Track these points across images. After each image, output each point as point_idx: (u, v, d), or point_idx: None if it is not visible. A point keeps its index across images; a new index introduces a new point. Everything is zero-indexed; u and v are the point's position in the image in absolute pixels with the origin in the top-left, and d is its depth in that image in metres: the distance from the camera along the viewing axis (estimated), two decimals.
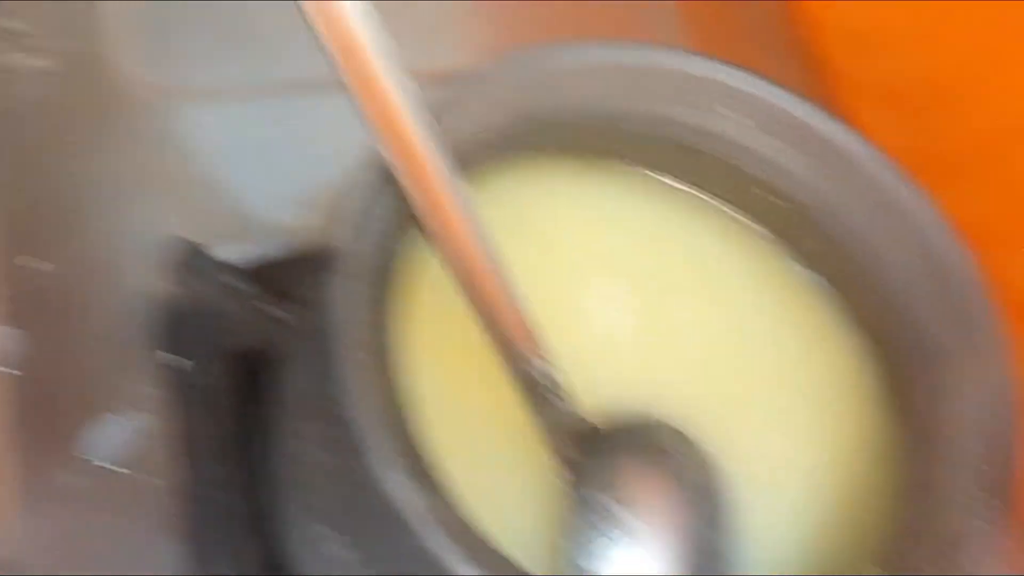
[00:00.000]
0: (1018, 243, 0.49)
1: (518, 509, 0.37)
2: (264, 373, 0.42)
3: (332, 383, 0.34)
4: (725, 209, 0.43)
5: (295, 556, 0.37)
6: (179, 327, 0.47)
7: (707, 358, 0.41)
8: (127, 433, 0.44)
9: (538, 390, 0.36)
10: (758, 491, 0.39)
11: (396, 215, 0.36)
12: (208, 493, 0.43)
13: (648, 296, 0.42)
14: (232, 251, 0.50)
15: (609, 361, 0.40)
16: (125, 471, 0.43)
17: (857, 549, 0.37)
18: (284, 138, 0.53)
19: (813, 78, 0.59)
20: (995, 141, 0.50)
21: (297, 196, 0.52)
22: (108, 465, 0.43)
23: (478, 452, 0.37)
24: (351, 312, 0.33)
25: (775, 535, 0.38)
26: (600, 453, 0.37)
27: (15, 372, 0.44)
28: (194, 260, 0.47)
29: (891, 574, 0.34)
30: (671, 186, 0.43)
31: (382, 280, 0.36)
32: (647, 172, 0.43)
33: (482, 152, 0.39)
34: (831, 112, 0.40)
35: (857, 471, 0.39)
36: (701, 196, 0.43)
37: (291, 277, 0.48)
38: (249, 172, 0.53)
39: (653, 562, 0.36)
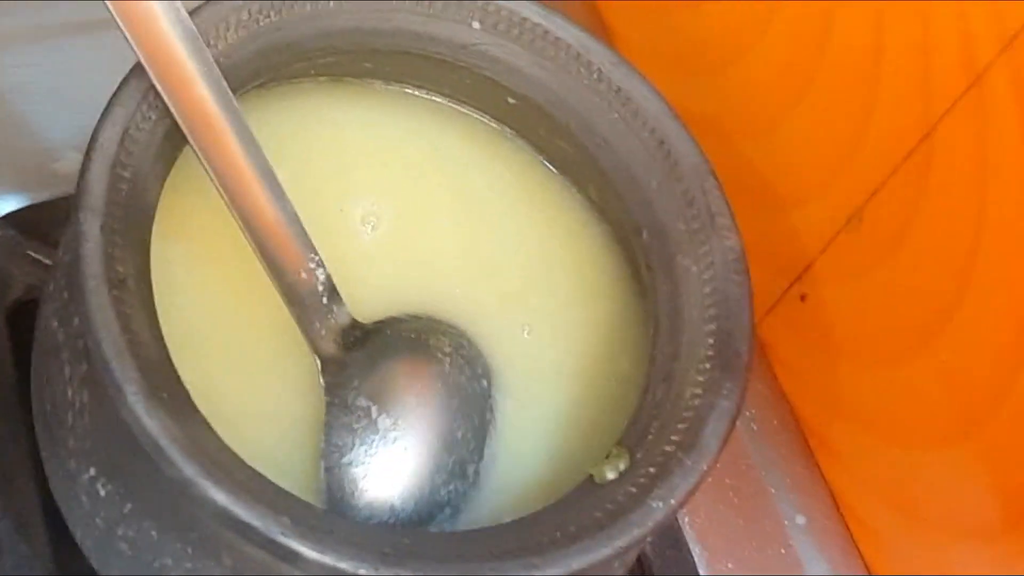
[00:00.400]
0: (745, 133, 0.51)
1: (287, 419, 0.38)
2: (35, 319, 0.41)
3: (79, 319, 0.35)
4: (479, 118, 0.43)
5: (57, 494, 0.37)
6: None
7: (467, 259, 0.42)
8: None
9: (306, 296, 0.37)
10: (515, 384, 0.40)
11: (159, 141, 0.36)
12: None
13: (411, 205, 0.42)
14: (2, 201, 0.49)
15: (376, 269, 0.41)
16: None
17: (607, 434, 0.38)
18: (56, 83, 0.52)
19: None
20: (730, 41, 0.51)
21: (70, 141, 0.52)
22: None
23: (245, 367, 0.38)
24: (95, 245, 0.33)
25: (530, 424, 0.39)
26: (365, 353, 0.38)
27: None
28: None
29: (634, 452, 0.35)
30: (426, 99, 0.44)
31: (139, 208, 0.35)
32: (403, 88, 0.44)
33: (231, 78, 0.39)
34: (567, 16, 0.41)
35: (607, 358, 0.41)
36: (455, 107, 0.44)
37: (56, 221, 0.48)
38: (20, 120, 0.52)
39: (406, 461, 0.37)
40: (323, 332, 0.38)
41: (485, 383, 0.39)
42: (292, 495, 0.32)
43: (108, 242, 0.33)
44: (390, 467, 0.37)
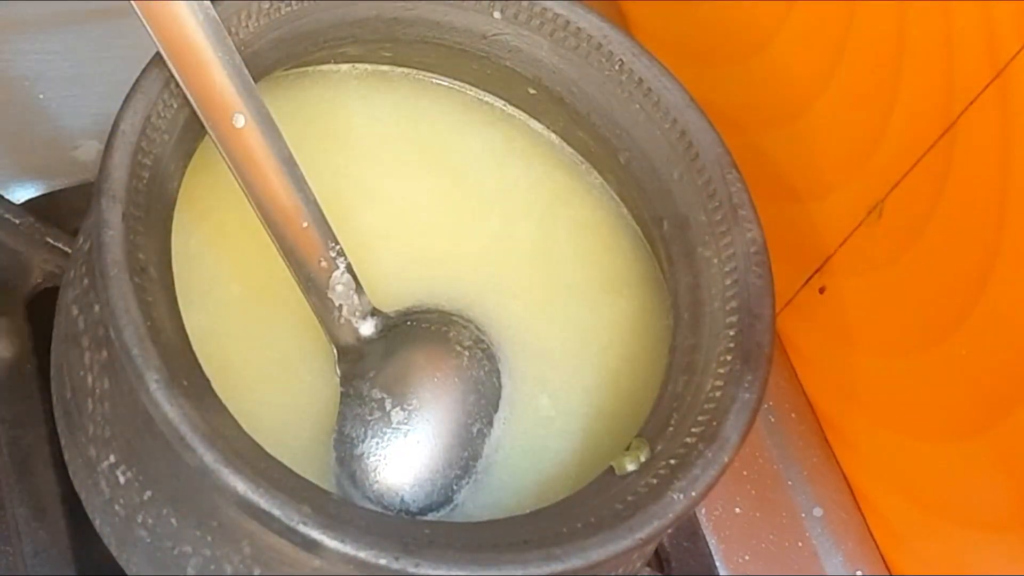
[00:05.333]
0: (766, 125, 0.51)
1: (305, 408, 0.38)
2: (54, 305, 0.42)
3: (100, 307, 0.35)
4: (500, 107, 0.44)
5: (76, 481, 0.37)
6: None
7: (487, 250, 0.42)
8: None
9: (325, 285, 0.37)
10: (536, 376, 0.40)
11: (180, 129, 0.36)
12: (7, 431, 0.43)
13: (431, 195, 0.42)
14: (20, 188, 0.49)
15: (395, 259, 0.41)
16: None
17: (627, 426, 0.38)
18: (76, 70, 0.53)
19: None
20: (751, 33, 0.51)
21: (89, 128, 0.52)
22: None
23: (264, 355, 0.38)
24: (116, 232, 0.33)
25: (551, 415, 0.39)
26: (384, 344, 0.38)
27: None
28: None
29: (655, 443, 0.35)
30: (447, 87, 0.44)
31: (160, 196, 0.35)
32: (424, 76, 0.44)
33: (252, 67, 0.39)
34: (590, 7, 0.41)
35: (627, 350, 0.41)
36: (477, 96, 0.44)
37: (75, 208, 0.48)
38: (40, 106, 0.52)
39: (418, 455, 0.37)
40: (341, 321, 0.38)
41: (506, 378, 0.39)
42: (312, 484, 0.32)
43: (130, 229, 0.33)
44: (402, 460, 0.37)
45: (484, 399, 0.38)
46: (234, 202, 0.37)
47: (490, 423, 0.38)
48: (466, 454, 0.38)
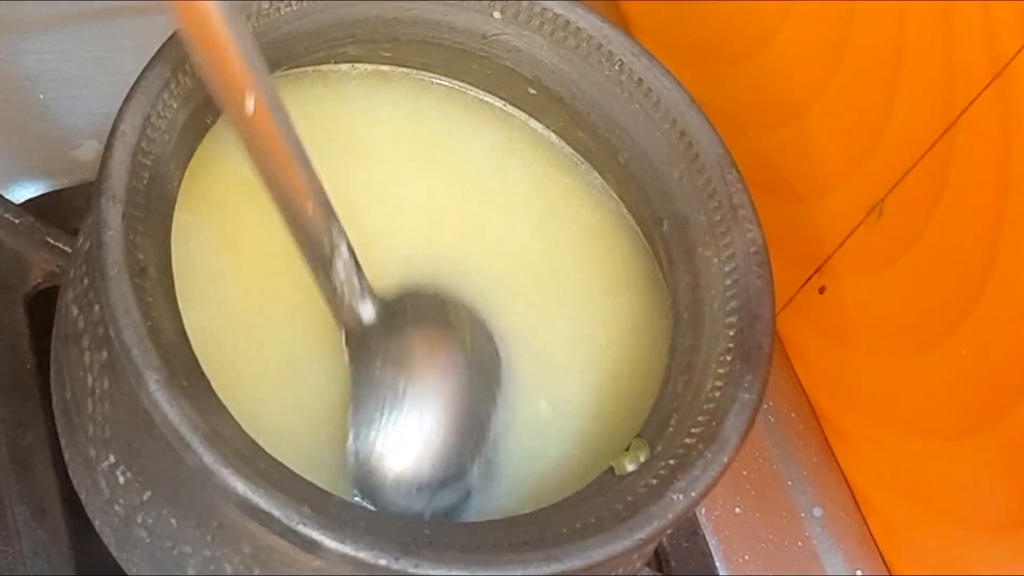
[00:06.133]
0: (765, 125, 0.51)
1: (308, 406, 0.38)
2: (54, 305, 0.42)
3: (99, 307, 0.35)
4: (500, 107, 0.44)
5: (76, 481, 0.37)
6: None
7: (486, 250, 0.42)
8: None
9: (330, 265, 0.37)
10: (536, 376, 0.40)
11: (179, 129, 0.36)
12: (7, 431, 0.43)
13: (429, 194, 0.42)
14: (20, 188, 0.49)
15: (401, 244, 0.41)
16: None
17: (627, 426, 0.38)
18: (76, 70, 0.53)
19: None
20: (751, 33, 0.51)
21: (89, 128, 0.52)
22: None
23: (265, 356, 0.38)
24: (116, 233, 0.33)
25: (551, 416, 0.40)
26: (388, 326, 0.38)
27: None
28: None
29: (654, 444, 0.35)
30: (447, 87, 0.44)
31: (160, 196, 0.35)
32: (423, 76, 0.44)
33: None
34: (590, 7, 0.41)
35: (627, 350, 0.41)
36: (477, 96, 0.44)
37: (75, 208, 0.48)
38: (40, 106, 0.52)
39: (427, 432, 0.37)
40: (345, 303, 0.37)
41: (506, 378, 0.39)
42: (312, 484, 0.32)
43: (129, 230, 0.33)
44: (416, 436, 0.37)
45: (484, 381, 0.39)
46: (234, 202, 0.37)
47: (494, 400, 0.39)
48: (473, 424, 0.38)
